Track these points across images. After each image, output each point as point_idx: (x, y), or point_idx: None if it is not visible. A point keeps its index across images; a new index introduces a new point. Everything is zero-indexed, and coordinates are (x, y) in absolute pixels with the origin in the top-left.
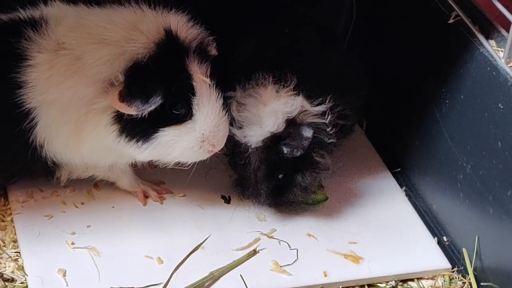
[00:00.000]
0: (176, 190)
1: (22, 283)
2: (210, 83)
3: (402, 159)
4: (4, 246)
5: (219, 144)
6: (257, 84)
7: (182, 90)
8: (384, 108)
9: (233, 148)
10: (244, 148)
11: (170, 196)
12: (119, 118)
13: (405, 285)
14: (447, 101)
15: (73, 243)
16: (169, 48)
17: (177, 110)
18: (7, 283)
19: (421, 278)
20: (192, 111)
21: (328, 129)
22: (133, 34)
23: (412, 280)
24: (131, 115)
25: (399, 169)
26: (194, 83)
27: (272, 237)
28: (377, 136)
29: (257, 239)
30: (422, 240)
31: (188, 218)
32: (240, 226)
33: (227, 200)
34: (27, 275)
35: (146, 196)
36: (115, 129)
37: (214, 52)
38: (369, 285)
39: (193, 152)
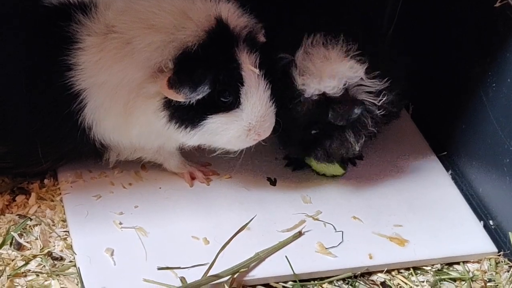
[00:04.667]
0: (223, 172)
1: (70, 261)
2: (259, 73)
3: (448, 143)
4: (53, 225)
5: (265, 133)
6: (326, 41)
7: (231, 79)
8: (431, 92)
9: (287, 89)
10: (297, 94)
11: (216, 178)
12: (169, 104)
13: (451, 268)
14: (494, 84)
15: (120, 223)
16: (219, 36)
17: (225, 98)
18: (56, 262)
19: (467, 262)
20: (240, 100)
21: (376, 112)
22: (183, 22)
23: (458, 263)
24: (180, 102)
25: (445, 152)
26: (243, 73)
27: (317, 219)
28: (423, 120)
29: (303, 221)
30: (468, 223)
31: (234, 200)
32: (286, 208)
33: (273, 182)
34: (76, 254)
35: (193, 178)
36: (165, 115)
37: (262, 39)
38: (414, 268)
39: (240, 140)
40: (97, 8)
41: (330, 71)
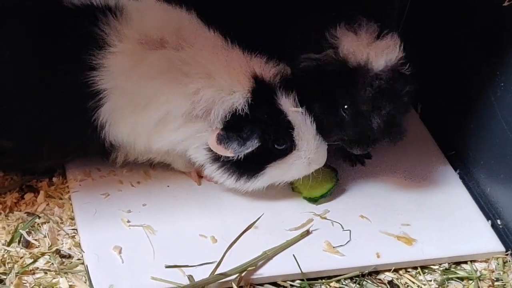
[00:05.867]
0: None
1: (78, 259)
2: (302, 110)
3: (457, 142)
4: (62, 223)
5: (322, 161)
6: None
7: (281, 127)
8: (439, 92)
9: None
10: (362, 73)
11: None
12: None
13: (458, 267)
14: (502, 84)
15: (129, 221)
16: (261, 94)
17: (280, 146)
18: (64, 259)
19: (474, 261)
20: (295, 142)
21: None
22: (233, 84)
23: (465, 262)
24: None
25: (454, 152)
26: (289, 118)
27: (325, 218)
28: (432, 119)
29: (310, 220)
30: (476, 223)
31: (242, 198)
32: (293, 206)
33: None
34: (84, 252)
35: (200, 176)
36: (214, 165)
37: (289, 72)
38: (422, 267)
39: (303, 173)
40: (128, 13)
41: (381, 48)
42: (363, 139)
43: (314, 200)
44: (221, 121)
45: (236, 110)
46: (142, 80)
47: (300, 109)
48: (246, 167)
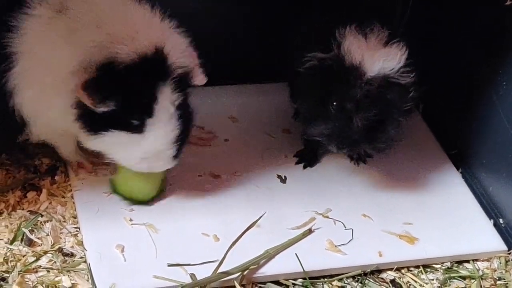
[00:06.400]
0: (233, 169)
1: (81, 257)
2: (174, 114)
3: (459, 141)
4: (64, 221)
5: (155, 169)
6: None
7: (142, 107)
8: (441, 91)
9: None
10: (355, 76)
11: (226, 175)
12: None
13: (460, 266)
14: (504, 83)
15: (131, 220)
16: (149, 67)
17: (132, 120)
18: (66, 258)
19: (476, 260)
20: (144, 128)
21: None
22: (126, 38)
23: (468, 261)
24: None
25: (456, 151)
26: (156, 106)
27: (327, 217)
28: (434, 118)
29: (313, 219)
30: (478, 222)
31: (244, 197)
32: (295, 205)
33: (283, 180)
34: (86, 250)
35: (81, 167)
36: (75, 112)
37: (201, 81)
38: (424, 266)
39: (130, 163)
40: None
41: (380, 56)
42: (341, 137)
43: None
44: (96, 66)
45: (114, 61)
46: (45, 45)
47: (172, 109)
48: (95, 122)
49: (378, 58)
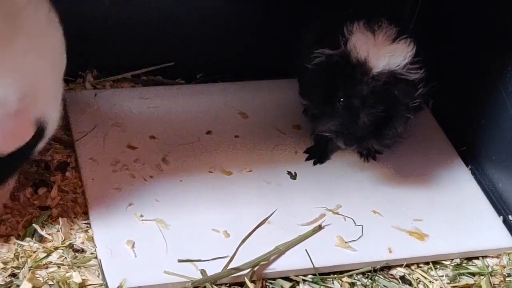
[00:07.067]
0: (243, 166)
1: (91, 253)
2: None
3: (468, 138)
4: (75, 217)
5: None
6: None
7: None
8: (451, 87)
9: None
10: (362, 73)
11: (237, 171)
12: None
13: (470, 262)
14: None
15: (141, 216)
16: None
17: None
18: (77, 254)
19: (485, 256)
20: None
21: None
22: None
23: (477, 258)
24: None
25: (465, 147)
26: None
27: (337, 213)
28: (443, 115)
29: (323, 215)
30: (487, 218)
31: (254, 193)
32: (306, 201)
33: (293, 176)
34: (97, 246)
35: None
36: None
37: None
38: (433, 262)
39: None
40: None
41: (386, 52)
42: (348, 133)
43: None
44: None
45: None
46: None
47: None
48: None
49: (384, 54)
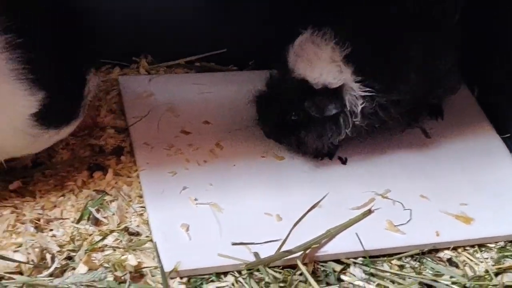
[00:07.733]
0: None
1: (147, 236)
2: None
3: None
4: (130, 201)
5: None
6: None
7: None
8: (495, 75)
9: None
10: (287, 71)
11: (289, 157)
12: None
13: None
14: None
15: (196, 199)
16: None
17: None
18: (132, 237)
19: None
20: None
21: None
22: None
23: None
24: None
25: (508, 134)
26: None
27: (386, 198)
28: (488, 102)
29: (372, 199)
30: None
31: (306, 178)
32: (356, 186)
33: (344, 161)
34: (152, 229)
35: None
36: None
37: None
38: (479, 245)
39: None
40: None
41: (317, 65)
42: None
43: None
44: None
45: None
46: None
47: None
48: None
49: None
